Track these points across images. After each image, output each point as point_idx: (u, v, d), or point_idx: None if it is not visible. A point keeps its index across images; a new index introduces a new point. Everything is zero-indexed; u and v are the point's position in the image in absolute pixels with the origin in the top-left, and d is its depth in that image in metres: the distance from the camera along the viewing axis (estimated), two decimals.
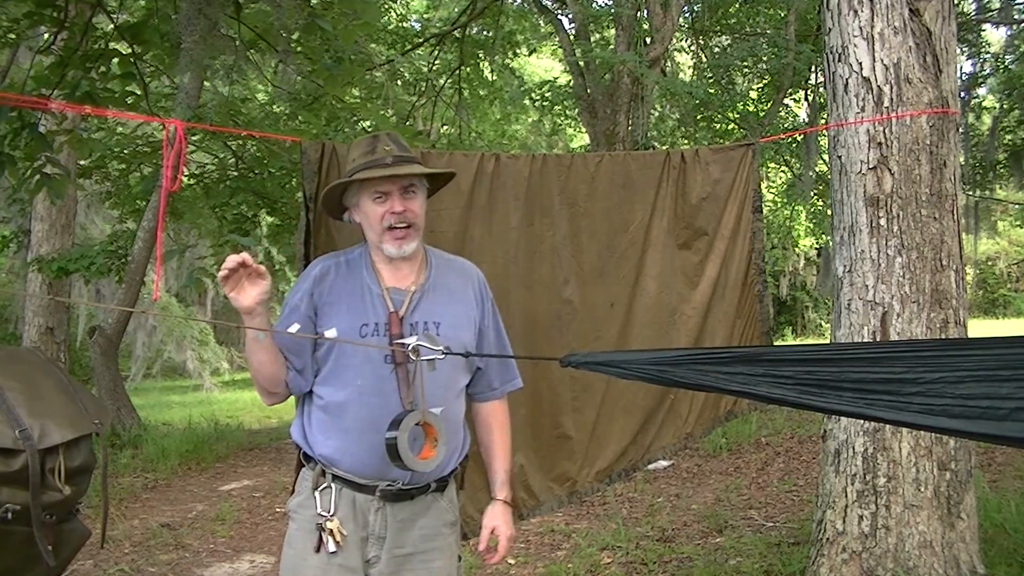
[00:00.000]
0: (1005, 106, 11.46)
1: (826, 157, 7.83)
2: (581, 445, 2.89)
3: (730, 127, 11.31)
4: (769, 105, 11.41)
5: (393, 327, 1.94)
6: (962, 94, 10.37)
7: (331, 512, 1.93)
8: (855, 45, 3.18)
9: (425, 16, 13.89)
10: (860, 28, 3.17)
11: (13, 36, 5.23)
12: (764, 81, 11.74)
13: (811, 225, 15.35)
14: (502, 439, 2.16)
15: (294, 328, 1.96)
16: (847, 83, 3.21)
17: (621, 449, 2.94)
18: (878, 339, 3.09)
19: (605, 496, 5.51)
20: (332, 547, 1.90)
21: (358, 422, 1.93)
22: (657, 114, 11.34)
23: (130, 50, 4.54)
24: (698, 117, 11.02)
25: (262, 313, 1.84)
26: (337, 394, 1.96)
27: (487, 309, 2.13)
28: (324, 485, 1.96)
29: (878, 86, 3.13)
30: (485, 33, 11.75)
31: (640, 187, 2.98)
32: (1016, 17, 10.84)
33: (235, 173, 8.61)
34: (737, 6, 11.48)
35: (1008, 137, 11.66)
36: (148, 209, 8.33)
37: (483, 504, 2.19)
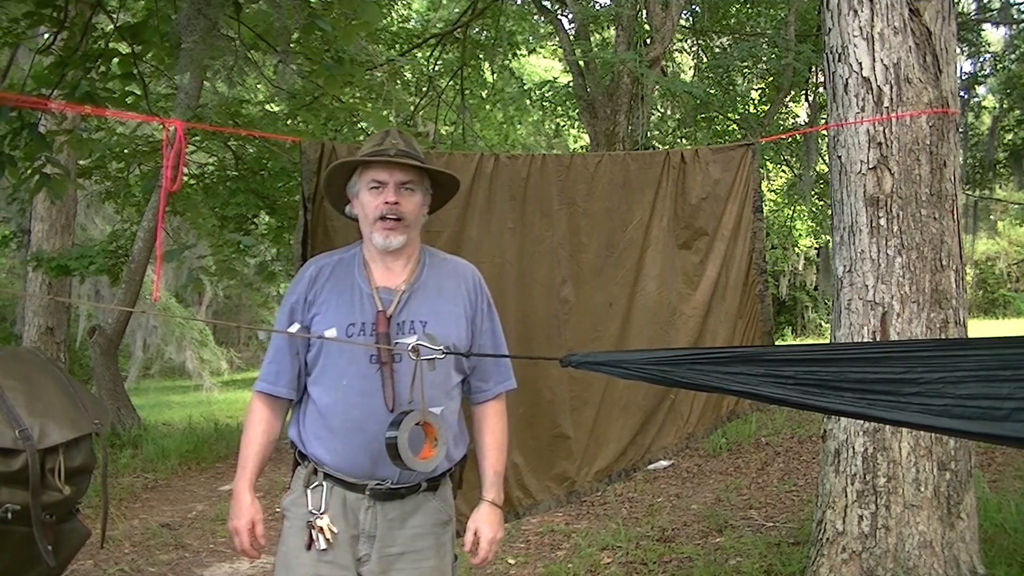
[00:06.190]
0: (1005, 106, 11.46)
1: (826, 157, 7.82)
2: (579, 445, 2.88)
3: (730, 127, 11.31)
4: (769, 105, 11.41)
5: (380, 326, 1.96)
6: (962, 94, 10.37)
7: (321, 510, 1.96)
8: (855, 45, 3.18)
9: (426, 17, 13.88)
10: (860, 28, 3.17)
11: (13, 36, 5.22)
12: (764, 81, 11.74)
13: (812, 225, 15.34)
14: (493, 440, 2.14)
15: (294, 328, 2.01)
16: (847, 83, 3.21)
17: (620, 449, 2.94)
18: (878, 339, 3.09)
19: (605, 496, 5.51)
20: (322, 545, 1.92)
21: (344, 422, 1.96)
22: (657, 114, 11.33)
23: (130, 50, 4.53)
24: (698, 117, 11.02)
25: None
26: (326, 394, 2.00)
27: (481, 309, 2.12)
28: (315, 483, 1.99)
29: (878, 86, 3.13)
30: (485, 33, 11.73)
31: (640, 187, 2.97)
32: (1016, 17, 10.84)
33: (235, 173, 8.61)
34: (737, 6, 11.48)
35: (1008, 137, 11.67)
36: (148, 209, 8.33)
37: (476, 503, 2.19)
